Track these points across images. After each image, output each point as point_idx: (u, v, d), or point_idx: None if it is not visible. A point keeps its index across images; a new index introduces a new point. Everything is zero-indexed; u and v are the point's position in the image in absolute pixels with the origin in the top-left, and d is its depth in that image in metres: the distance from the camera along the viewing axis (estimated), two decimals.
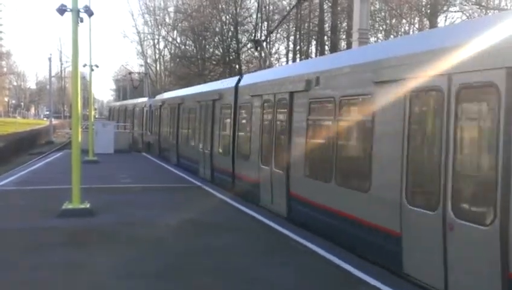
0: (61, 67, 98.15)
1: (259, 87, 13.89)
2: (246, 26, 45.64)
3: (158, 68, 70.58)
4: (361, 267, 7.84)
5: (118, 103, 59.30)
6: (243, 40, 45.86)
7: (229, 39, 46.19)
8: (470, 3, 25.04)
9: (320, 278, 7.54)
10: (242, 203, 13.31)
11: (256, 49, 20.56)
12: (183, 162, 22.52)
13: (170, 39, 60.38)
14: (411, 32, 31.48)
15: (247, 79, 15.87)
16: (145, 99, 37.29)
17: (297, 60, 41.05)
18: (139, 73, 58.52)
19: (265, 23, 43.58)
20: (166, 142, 26.66)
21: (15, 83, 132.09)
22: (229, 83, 17.54)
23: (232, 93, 16.19)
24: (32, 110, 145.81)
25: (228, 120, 16.69)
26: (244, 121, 15.36)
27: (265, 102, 13.25)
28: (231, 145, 15.94)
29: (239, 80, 16.26)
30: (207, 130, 18.62)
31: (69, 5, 11.72)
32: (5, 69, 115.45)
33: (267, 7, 43.54)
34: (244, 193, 14.14)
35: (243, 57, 46.70)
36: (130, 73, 58.62)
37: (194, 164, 20.36)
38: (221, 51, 47.59)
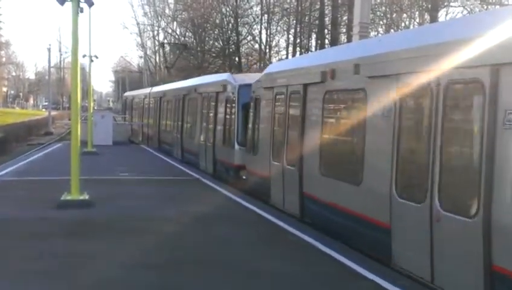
0: (60, 57, 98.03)
1: None
2: (246, 19, 45.49)
3: (157, 60, 70.42)
4: (361, 261, 7.83)
5: (144, 91, 37.10)
6: (243, 33, 45.74)
7: (229, 31, 46.05)
8: None
9: (319, 271, 7.54)
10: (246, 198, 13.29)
11: None
12: None
13: (170, 31, 60.18)
14: (411, 27, 31.41)
15: None
16: (221, 77, 18.68)
17: (297, 53, 40.96)
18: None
19: (266, 15, 43.54)
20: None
21: (14, 73, 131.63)
22: None
23: None
24: (31, 101, 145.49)
25: None
26: None
27: None
28: None
29: None
30: None
31: None
32: (4, 59, 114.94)
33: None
34: None
35: (243, 49, 46.60)
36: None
37: None
38: (221, 43, 47.46)
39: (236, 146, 15.35)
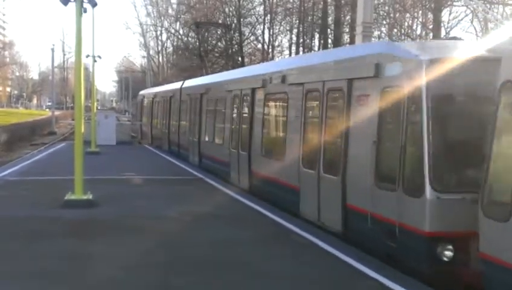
0: (63, 58, 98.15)
1: None
2: (249, 19, 45.51)
3: (160, 60, 70.50)
4: (366, 261, 7.84)
5: (169, 87, 28.54)
6: (246, 33, 45.74)
7: (232, 31, 46.05)
8: None
9: (320, 270, 7.57)
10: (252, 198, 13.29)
11: None
12: None
13: (173, 31, 60.25)
14: (414, 27, 31.40)
15: None
16: (368, 48, 9.64)
17: (301, 53, 40.94)
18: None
19: (269, 15, 43.54)
20: None
21: (17, 73, 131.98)
22: None
23: None
24: (35, 101, 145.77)
25: None
26: None
27: None
28: None
29: None
30: None
31: None
32: (7, 59, 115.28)
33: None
34: None
35: (246, 49, 46.61)
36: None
37: None
38: (223, 43, 47.47)
39: (430, 192, 7.13)
